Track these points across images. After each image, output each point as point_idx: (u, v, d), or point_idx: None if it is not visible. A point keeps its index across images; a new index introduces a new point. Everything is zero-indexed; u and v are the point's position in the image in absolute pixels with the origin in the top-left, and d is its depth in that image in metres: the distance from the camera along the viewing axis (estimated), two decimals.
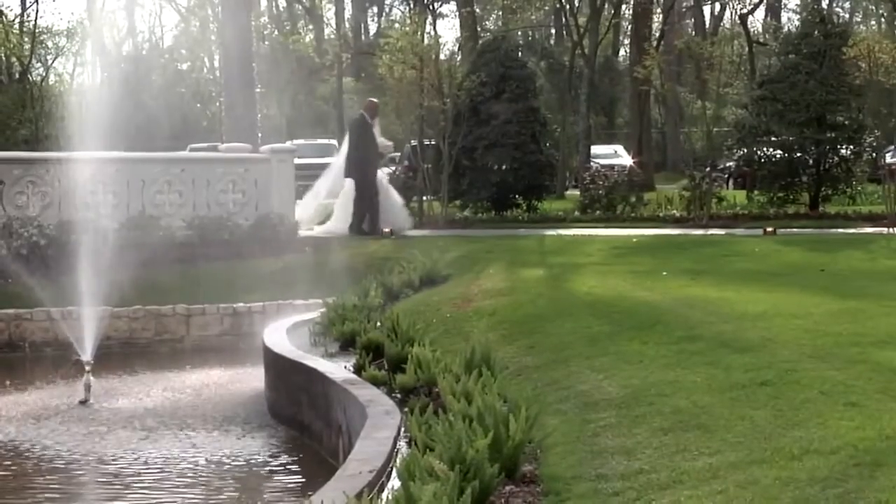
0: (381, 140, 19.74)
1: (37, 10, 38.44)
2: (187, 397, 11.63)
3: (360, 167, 19.39)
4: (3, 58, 39.04)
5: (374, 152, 19.26)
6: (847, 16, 58.82)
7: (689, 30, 54.10)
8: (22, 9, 39.51)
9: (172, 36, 65.59)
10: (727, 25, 58.80)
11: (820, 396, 6.52)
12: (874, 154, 24.10)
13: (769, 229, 19.19)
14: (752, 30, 51.07)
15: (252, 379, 11.83)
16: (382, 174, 20.18)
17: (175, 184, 18.66)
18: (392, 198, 19.70)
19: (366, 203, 19.21)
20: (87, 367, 11.82)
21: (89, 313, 13.01)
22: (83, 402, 11.38)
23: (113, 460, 9.24)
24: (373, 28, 64.60)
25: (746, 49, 47.90)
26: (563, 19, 53.71)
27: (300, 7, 62.99)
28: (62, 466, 9.19)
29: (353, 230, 19.23)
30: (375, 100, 20.79)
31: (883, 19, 56.58)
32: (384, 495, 5.68)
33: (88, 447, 9.66)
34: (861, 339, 8.13)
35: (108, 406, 11.30)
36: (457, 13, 51.95)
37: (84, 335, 12.54)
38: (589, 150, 33.60)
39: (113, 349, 14.15)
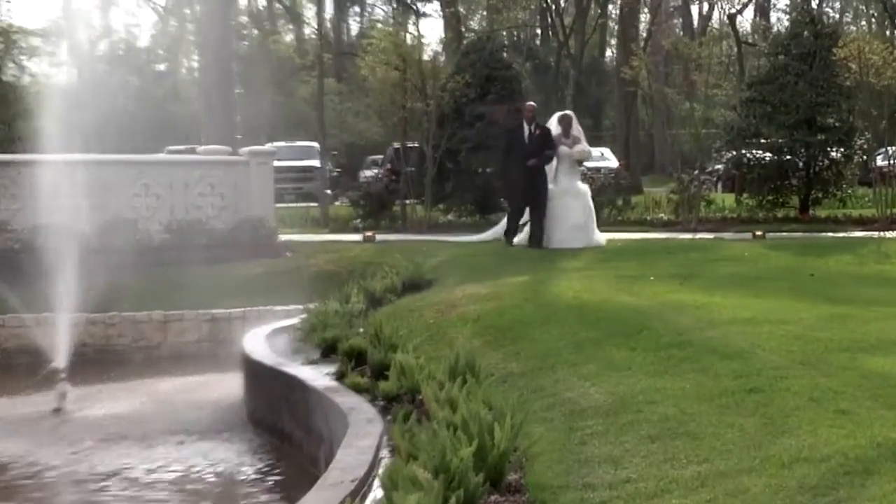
0: (579, 147, 17.32)
1: (10, 10, 38.35)
2: (164, 405, 11.59)
3: (506, 175, 18.08)
4: None
5: (516, 158, 17.09)
6: (837, 16, 59.04)
7: (677, 30, 54.23)
8: None
9: (150, 36, 65.51)
10: (715, 25, 58.94)
11: (810, 404, 6.54)
12: (864, 157, 24.19)
13: (758, 233, 19.26)
14: (740, 30, 51.24)
15: (231, 386, 11.79)
16: (564, 186, 17.28)
17: (152, 187, 18.61)
18: (563, 211, 17.15)
19: (512, 209, 17.77)
20: (62, 375, 11.77)
21: (64, 319, 12.96)
22: (57, 411, 11.33)
23: (86, 470, 9.20)
24: (355, 28, 64.63)
25: (735, 49, 48.12)
26: (549, 19, 53.81)
27: (280, 6, 62.95)
28: (33, 476, 9.15)
29: (530, 242, 17.15)
30: (531, 103, 18.63)
31: (873, 19, 56.80)
32: None
33: (61, 456, 9.62)
34: (851, 345, 8.15)
35: (82, 414, 11.26)
36: (440, 13, 52.03)
37: (58, 342, 12.49)
38: None
39: (88, 356, 14.08)
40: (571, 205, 17.10)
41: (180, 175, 18.94)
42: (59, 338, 12.59)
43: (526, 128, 17.38)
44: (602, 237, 17.48)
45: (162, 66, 62.38)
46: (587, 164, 31.76)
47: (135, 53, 60.52)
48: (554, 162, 17.21)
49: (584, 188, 17.78)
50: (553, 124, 17.63)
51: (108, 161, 19.22)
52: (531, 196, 17.08)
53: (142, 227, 17.96)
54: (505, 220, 18.63)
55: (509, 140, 17.71)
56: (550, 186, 17.15)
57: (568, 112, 18.27)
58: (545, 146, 17.14)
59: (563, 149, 17.12)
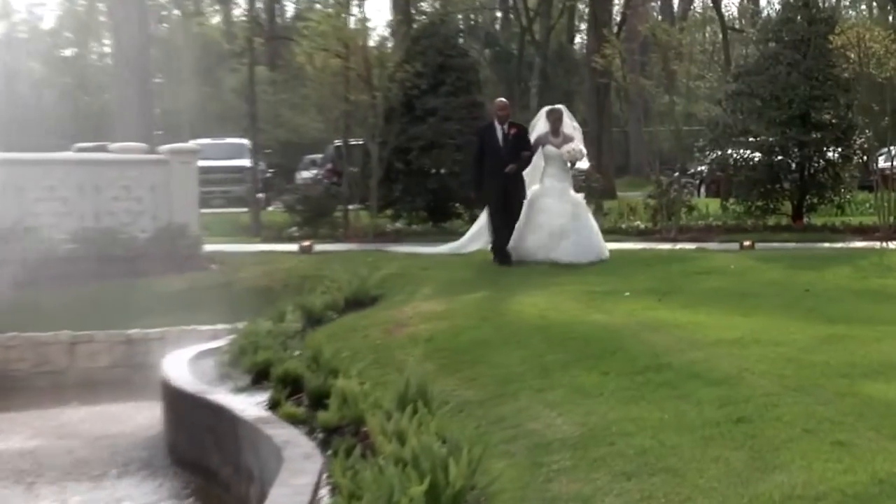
0: (569, 146, 16.70)
1: None
2: (72, 439, 11.51)
3: (480, 185, 17.08)
4: None
5: (492, 163, 16.51)
6: None
7: (655, 14, 54.62)
8: None
9: (55, 17, 65.16)
10: (698, 9, 59.51)
11: (804, 435, 6.59)
12: (865, 157, 24.42)
13: (746, 243, 19.38)
14: (726, 14, 51.78)
15: (149, 417, 11.74)
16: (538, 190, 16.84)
17: (58, 189, 18.47)
18: (542, 214, 16.64)
19: (493, 223, 16.95)
20: None
21: None
22: None
23: None
24: (290, 9, 64.65)
25: (720, 36, 48.51)
26: (511, 0, 54.04)
27: None
28: None
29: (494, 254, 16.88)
30: (503, 99, 17.90)
31: (874, 3, 57.48)
32: None
33: None
34: (850, 369, 8.24)
35: None
36: None
37: None
38: None
39: None
40: (554, 208, 16.70)
41: (90, 176, 18.82)
42: None
43: (498, 128, 16.76)
44: (595, 251, 16.76)
45: (69, 52, 62.03)
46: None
47: (38, 37, 60.09)
48: (541, 163, 16.91)
49: (578, 197, 17.24)
50: (541, 121, 17.27)
51: (6, 160, 19.08)
52: (506, 204, 16.58)
53: (46, 235, 17.82)
54: (473, 230, 18.49)
55: (480, 143, 17.11)
56: (535, 187, 16.81)
57: (558, 106, 17.50)
58: (522, 147, 16.67)
59: (550, 149, 16.64)
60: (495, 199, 16.72)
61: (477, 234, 18.10)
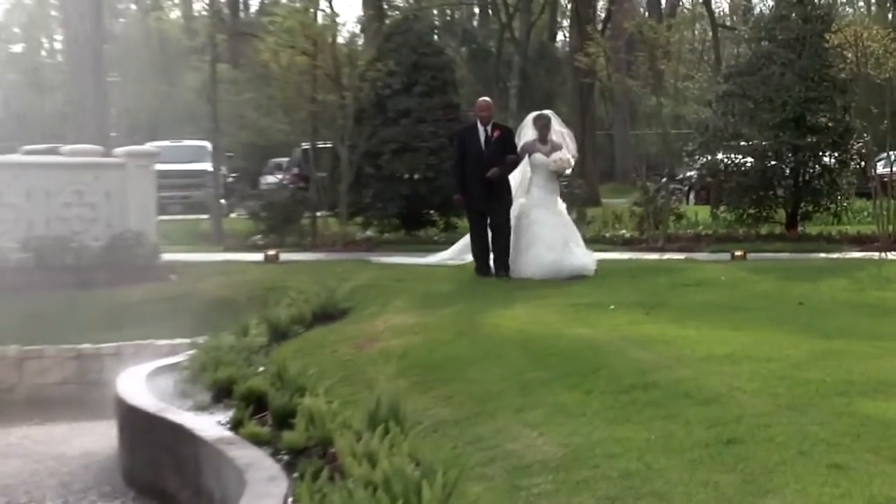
0: (557, 155, 16.56)
1: None
2: (18, 460, 11.47)
3: (462, 191, 16.88)
4: None
5: (472, 167, 16.44)
6: None
7: (642, 10, 54.79)
8: None
9: (2, 10, 64.99)
10: (687, 5, 59.68)
11: (798, 457, 6.62)
12: (863, 163, 24.53)
13: (738, 253, 19.46)
14: (716, 11, 51.95)
15: (103, 438, 11.71)
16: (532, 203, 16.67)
17: (5, 195, 18.42)
18: (537, 228, 16.48)
19: (473, 231, 17.07)
20: None
21: None
22: None
23: None
24: (254, 3, 64.61)
25: (710, 34, 48.68)
26: None
27: None
28: None
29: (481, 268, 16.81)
30: (486, 98, 17.78)
31: (873, 1, 57.77)
32: None
33: None
34: (847, 387, 8.27)
35: None
36: None
37: None
38: None
39: None
40: (549, 220, 16.59)
41: (40, 181, 18.77)
42: None
43: (481, 130, 16.68)
44: (592, 262, 16.72)
45: (18, 48, 61.91)
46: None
47: None
48: (528, 172, 16.82)
49: (561, 207, 17.15)
50: (528, 128, 17.11)
51: None
52: (489, 210, 16.50)
53: None
54: (464, 240, 18.29)
55: (462, 146, 16.96)
56: (521, 200, 16.71)
57: (545, 112, 17.37)
58: (506, 150, 16.56)
59: (538, 157, 16.52)
60: (476, 205, 16.68)
61: (468, 245, 18.03)
